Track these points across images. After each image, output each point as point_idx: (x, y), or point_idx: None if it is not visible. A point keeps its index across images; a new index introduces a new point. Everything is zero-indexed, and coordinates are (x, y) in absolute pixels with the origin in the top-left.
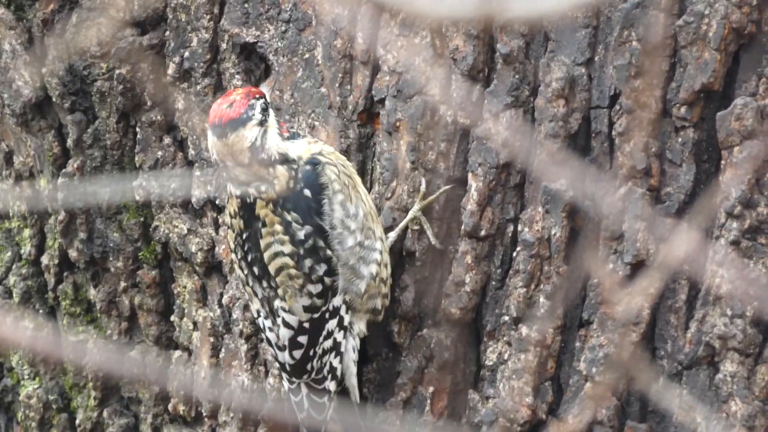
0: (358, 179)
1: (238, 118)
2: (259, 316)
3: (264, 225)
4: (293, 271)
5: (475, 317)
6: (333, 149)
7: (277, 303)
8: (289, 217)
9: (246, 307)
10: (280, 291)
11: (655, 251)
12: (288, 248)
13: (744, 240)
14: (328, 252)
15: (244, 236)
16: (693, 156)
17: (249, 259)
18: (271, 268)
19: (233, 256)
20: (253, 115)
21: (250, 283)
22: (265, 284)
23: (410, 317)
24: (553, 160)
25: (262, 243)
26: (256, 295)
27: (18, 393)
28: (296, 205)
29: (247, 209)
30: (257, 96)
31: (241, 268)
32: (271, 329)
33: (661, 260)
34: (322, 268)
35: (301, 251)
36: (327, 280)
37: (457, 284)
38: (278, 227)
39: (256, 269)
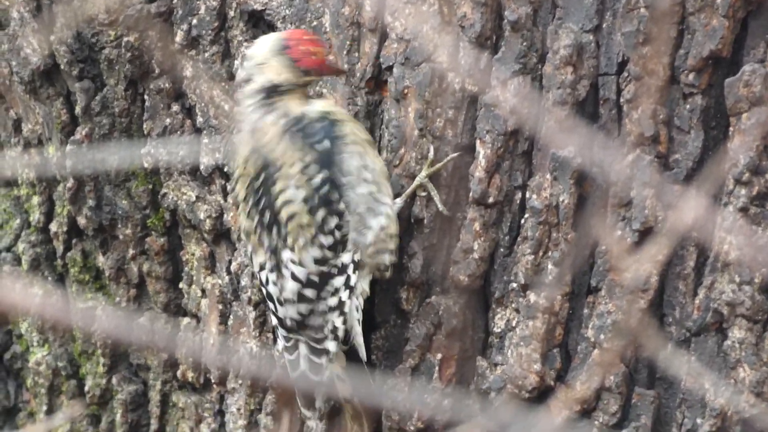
0: (371, 141)
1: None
2: (262, 269)
3: (280, 168)
4: (306, 219)
5: (483, 284)
6: (345, 111)
7: (285, 254)
8: (307, 159)
9: (254, 275)
10: (289, 240)
11: (664, 218)
12: (303, 193)
13: (752, 207)
14: (341, 205)
15: (260, 179)
16: (701, 123)
17: (260, 205)
18: (283, 215)
19: (241, 205)
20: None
21: (257, 232)
22: (274, 233)
23: (418, 284)
24: (561, 127)
25: (276, 187)
26: (261, 245)
27: (27, 360)
28: (314, 148)
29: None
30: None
31: (250, 216)
32: (275, 283)
33: (670, 227)
34: (334, 221)
35: (316, 199)
36: (338, 233)
37: (465, 251)
38: (296, 168)
39: (266, 216)
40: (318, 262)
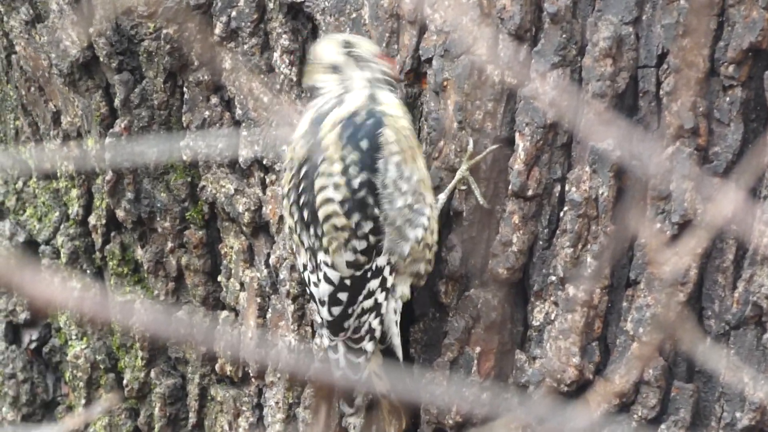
0: (419, 149)
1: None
2: (305, 269)
3: (324, 159)
4: (342, 221)
5: (522, 277)
6: (403, 114)
7: (320, 256)
8: (349, 157)
9: (293, 268)
10: (324, 241)
11: (703, 211)
12: (341, 195)
13: None
14: (376, 210)
15: (302, 172)
16: (741, 115)
17: (301, 202)
18: (320, 214)
19: (284, 201)
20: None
21: (298, 231)
22: (311, 232)
23: (457, 277)
24: (600, 120)
25: (317, 183)
26: (302, 244)
27: (66, 353)
28: (358, 149)
29: (312, 130)
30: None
31: (291, 214)
32: (316, 284)
33: (709, 220)
34: (368, 225)
35: (352, 202)
36: (372, 238)
37: (504, 244)
38: (337, 167)
39: (306, 214)
40: (351, 265)
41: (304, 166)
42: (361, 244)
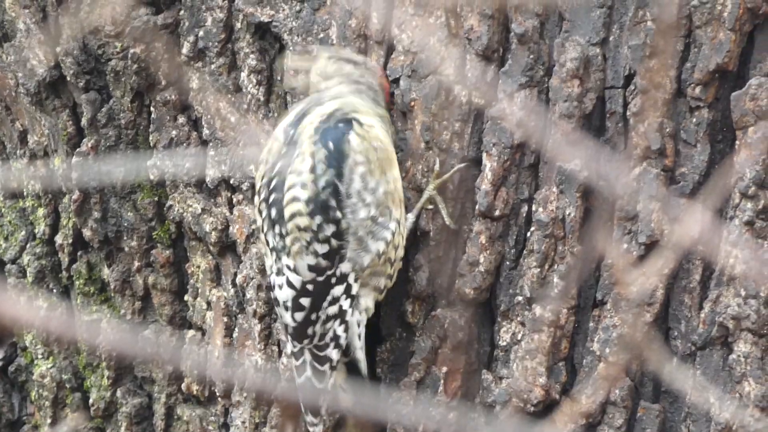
0: (393, 159)
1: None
2: (271, 272)
3: (298, 156)
4: (305, 221)
5: (489, 297)
6: (379, 127)
7: (283, 260)
8: (319, 154)
9: (260, 287)
10: (288, 241)
11: (669, 231)
12: (306, 193)
13: (758, 220)
14: (338, 214)
15: (276, 168)
16: (707, 136)
17: (271, 199)
18: (286, 213)
19: (256, 198)
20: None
21: (265, 230)
22: (276, 231)
23: (424, 297)
24: (567, 140)
25: (288, 181)
26: (268, 244)
27: (32, 372)
28: (327, 147)
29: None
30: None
31: (260, 211)
32: (280, 287)
33: (675, 240)
34: (329, 229)
35: (318, 201)
36: (333, 242)
37: (471, 264)
38: (307, 164)
39: (273, 212)
40: (312, 269)
41: (279, 161)
42: (322, 248)
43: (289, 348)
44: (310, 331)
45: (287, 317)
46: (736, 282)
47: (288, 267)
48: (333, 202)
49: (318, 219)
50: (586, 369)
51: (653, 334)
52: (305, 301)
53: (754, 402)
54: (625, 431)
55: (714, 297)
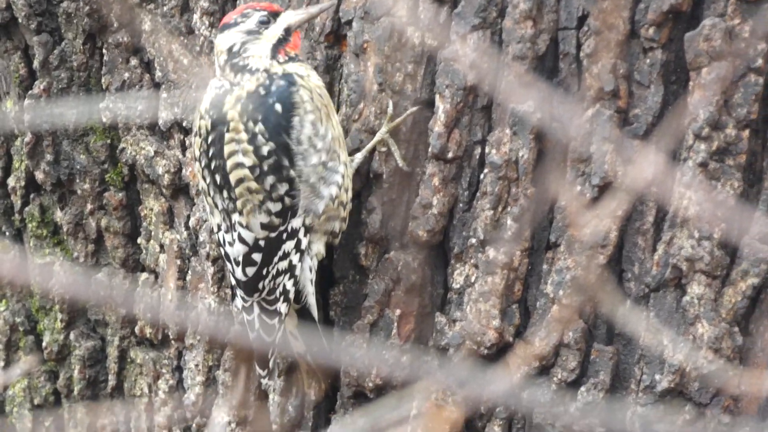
0: (332, 107)
1: (228, 23)
2: (219, 230)
3: (228, 130)
4: (253, 185)
5: (443, 240)
6: (315, 75)
7: (235, 217)
8: (255, 129)
9: (212, 230)
10: (239, 203)
11: (623, 173)
12: (250, 160)
13: (712, 162)
14: (292, 172)
15: (210, 139)
16: (661, 77)
17: (212, 166)
18: (232, 178)
19: (196, 165)
20: (243, 22)
21: (211, 194)
22: (225, 195)
23: (377, 239)
24: (520, 82)
25: (226, 150)
26: (216, 206)
27: None
28: (265, 118)
29: (217, 107)
30: (259, 9)
31: (203, 177)
32: (231, 244)
33: (629, 182)
34: (283, 187)
35: (264, 167)
36: (287, 200)
37: (424, 206)
38: (243, 135)
39: (218, 178)
40: (265, 227)
41: (211, 134)
42: (275, 206)
43: (239, 302)
44: (260, 285)
45: (238, 272)
46: (689, 224)
47: (240, 224)
48: (285, 162)
49: (270, 179)
50: (540, 311)
51: (606, 276)
52: (257, 257)
53: (707, 344)
54: (578, 374)
55: (667, 239)
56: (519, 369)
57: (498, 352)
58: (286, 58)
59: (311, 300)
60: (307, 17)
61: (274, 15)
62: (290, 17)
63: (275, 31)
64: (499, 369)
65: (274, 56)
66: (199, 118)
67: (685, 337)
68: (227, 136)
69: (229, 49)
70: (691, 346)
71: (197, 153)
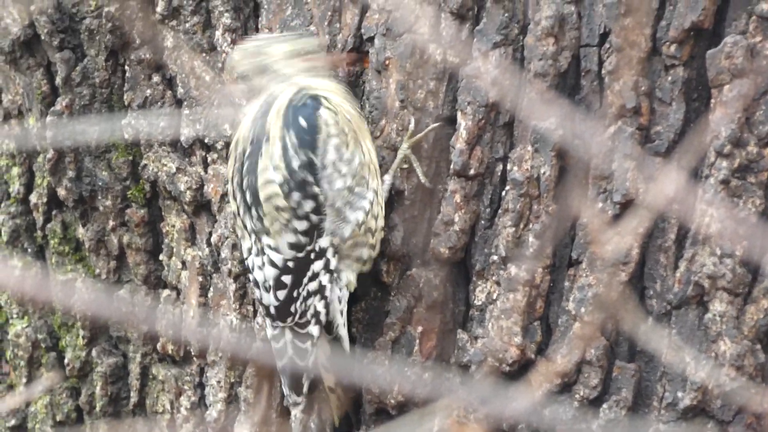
0: (365, 132)
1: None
2: (249, 254)
3: (267, 140)
4: (282, 202)
5: (464, 256)
6: (343, 98)
7: (264, 239)
8: (287, 141)
9: (234, 246)
10: (266, 222)
11: (645, 190)
12: (280, 176)
13: (733, 179)
14: (316, 189)
15: (247, 153)
16: (683, 94)
17: (244, 184)
18: (262, 195)
19: (228, 186)
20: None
21: (241, 214)
22: (254, 214)
23: (399, 256)
24: (542, 99)
25: (260, 165)
26: (245, 227)
27: (6, 332)
28: (297, 131)
29: (259, 120)
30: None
31: (234, 197)
32: (260, 268)
33: (651, 199)
34: (309, 204)
35: (292, 182)
36: (313, 217)
37: (446, 223)
38: (278, 145)
39: (248, 196)
40: (293, 247)
41: (248, 148)
42: (301, 225)
43: (269, 332)
44: (292, 308)
45: (270, 297)
46: (711, 241)
47: (269, 246)
48: (310, 178)
49: (296, 196)
50: (562, 328)
51: (628, 293)
52: (287, 279)
53: (729, 361)
54: (600, 391)
55: (689, 256)
56: (541, 386)
57: (520, 370)
58: (315, 73)
59: (342, 332)
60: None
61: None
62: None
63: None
64: (521, 386)
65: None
66: (239, 133)
67: (707, 354)
68: (264, 147)
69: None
70: (714, 363)
71: (230, 173)
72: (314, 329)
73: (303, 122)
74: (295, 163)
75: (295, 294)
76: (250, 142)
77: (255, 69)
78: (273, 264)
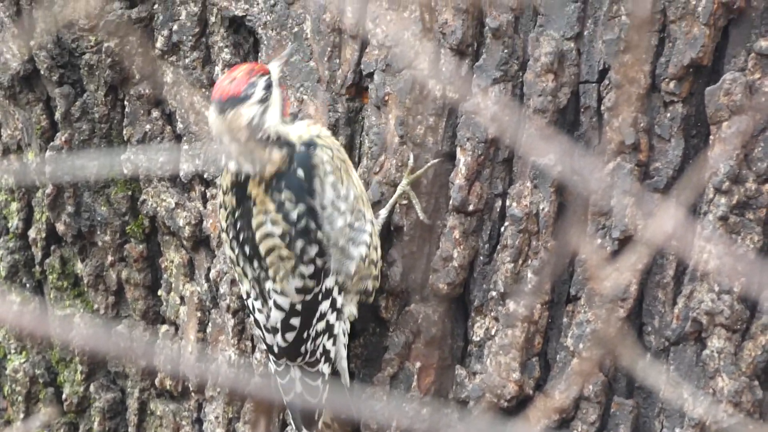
0: (350, 163)
1: (238, 96)
2: (248, 297)
3: (255, 204)
4: (285, 252)
5: (463, 292)
6: (329, 133)
7: (268, 285)
8: (281, 197)
9: (233, 282)
10: (271, 272)
11: (643, 227)
12: (279, 229)
13: (732, 216)
14: (320, 233)
15: (236, 214)
16: (682, 131)
17: (240, 238)
18: (262, 249)
19: (224, 235)
20: (254, 92)
21: (240, 264)
22: (255, 264)
23: (398, 292)
24: (541, 135)
25: (254, 222)
26: (245, 275)
27: (4, 367)
28: (290, 184)
29: (239, 187)
30: (261, 73)
31: (231, 248)
32: (260, 311)
33: (649, 236)
34: (313, 249)
35: (293, 232)
36: (319, 261)
37: (444, 259)
38: (270, 206)
39: (247, 249)
40: (300, 291)
41: (237, 210)
42: (308, 269)
43: (272, 367)
44: (302, 349)
45: (276, 339)
46: (709, 277)
47: (275, 291)
48: (313, 225)
49: (300, 244)
50: (560, 364)
51: (627, 329)
52: (295, 321)
53: (727, 398)
54: (598, 427)
55: (687, 292)
56: (539, 422)
57: (518, 405)
58: (290, 116)
59: (343, 364)
60: (284, 65)
61: (268, 75)
62: (275, 71)
63: (276, 92)
64: (520, 422)
65: (281, 118)
66: (223, 194)
67: (705, 390)
68: (254, 209)
69: (249, 124)
70: (711, 399)
71: (224, 224)
72: (325, 367)
73: (300, 171)
74: (294, 215)
75: (305, 335)
76: (237, 204)
77: (229, 137)
78: (279, 308)
